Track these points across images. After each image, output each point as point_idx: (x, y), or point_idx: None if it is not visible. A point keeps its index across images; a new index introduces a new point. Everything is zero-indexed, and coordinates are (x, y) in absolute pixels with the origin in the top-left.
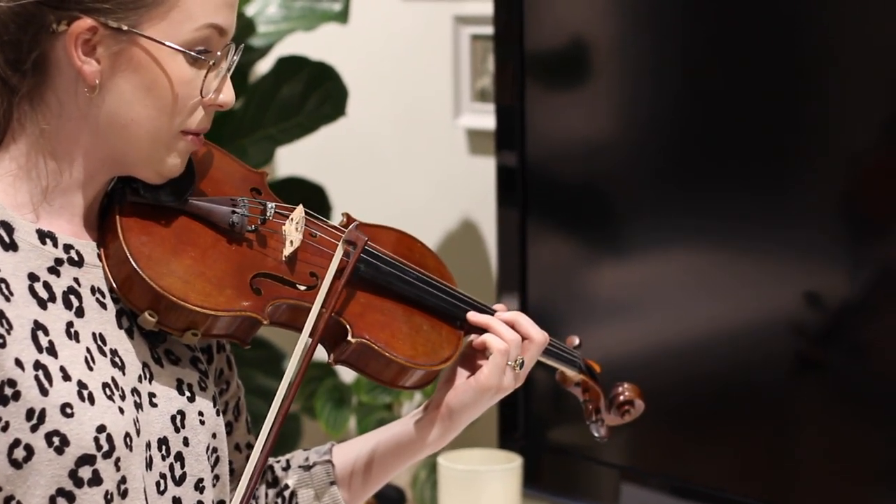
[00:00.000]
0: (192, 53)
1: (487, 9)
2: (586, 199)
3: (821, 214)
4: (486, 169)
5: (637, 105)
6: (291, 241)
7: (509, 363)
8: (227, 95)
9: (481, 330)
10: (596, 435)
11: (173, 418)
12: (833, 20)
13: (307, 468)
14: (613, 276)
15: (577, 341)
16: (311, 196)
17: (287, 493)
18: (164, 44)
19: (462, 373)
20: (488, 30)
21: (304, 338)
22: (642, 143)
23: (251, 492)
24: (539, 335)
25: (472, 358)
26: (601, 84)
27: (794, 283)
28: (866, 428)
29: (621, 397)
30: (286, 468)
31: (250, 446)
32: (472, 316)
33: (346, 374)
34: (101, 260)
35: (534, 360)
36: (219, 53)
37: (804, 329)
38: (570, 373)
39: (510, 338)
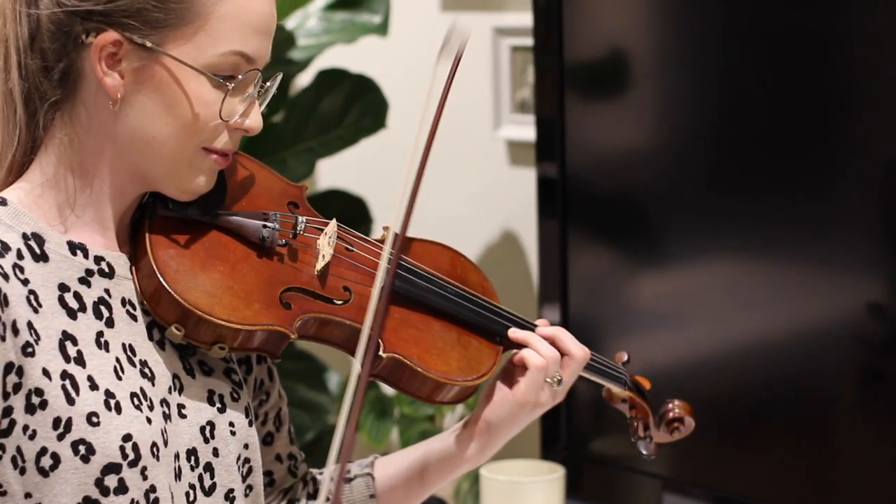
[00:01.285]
0: (215, 77)
1: (527, 20)
2: (627, 210)
3: (866, 223)
4: (526, 180)
5: (677, 115)
6: (323, 256)
7: (547, 379)
8: (254, 121)
9: (521, 346)
10: (644, 452)
11: (202, 429)
12: (879, 24)
13: (348, 480)
14: (655, 286)
15: (625, 357)
16: (351, 208)
17: None
18: (186, 64)
19: (502, 388)
20: (528, 41)
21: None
22: (682, 153)
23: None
24: (579, 352)
25: (513, 374)
26: (640, 94)
27: (837, 293)
28: None
29: (671, 414)
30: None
31: (292, 457)
32: (513, 332)
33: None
34: (132, 273)
35: (574, 377)
36: (240, 77)
37: (848, 338)
38: (616, 389)
39: (548, 354)
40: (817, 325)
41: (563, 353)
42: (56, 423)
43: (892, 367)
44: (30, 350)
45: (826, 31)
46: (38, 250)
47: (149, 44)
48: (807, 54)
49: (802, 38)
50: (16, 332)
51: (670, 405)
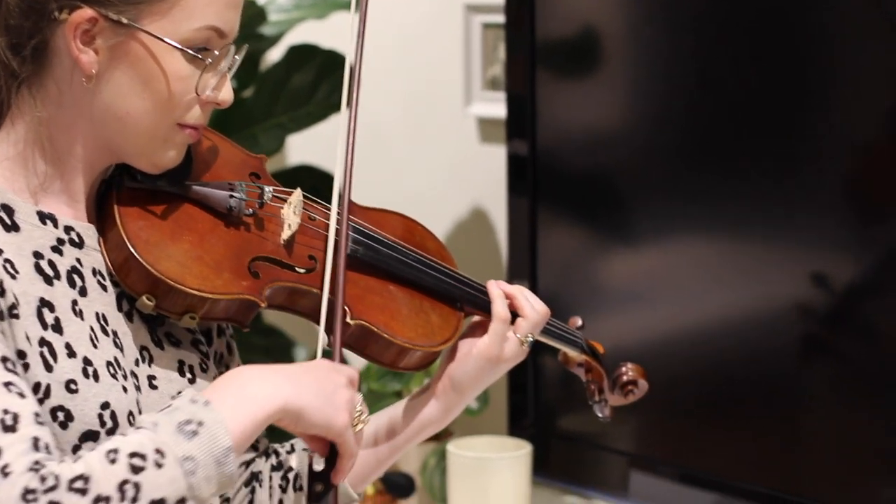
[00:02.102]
0: (190, 52)
1: None
2: (596, 188)
3: (830, 201)
4: (496, 157)
5: (647, 93)
6: (289, 225)
7: (519, 336)
8: (226, 94)
9: (481, 310)
10: (599, 415)
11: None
12: (849, 9)
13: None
14: (623, 264)
15: (579, 322)
16: (321, 184)
17: (291, 476)
18: (162, 40)
19: (465, 345)
20: (499, 18)
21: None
22: (652, 132)
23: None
24: (543, 307)
25: (474, 335)
26: (612, 73)
27: (803, 270)
28: (876, 413)
29: (625, 377)
30: (290, 451)
31: None
32: (490, 286)
33: (355, 362)
34: (99, 245)
35: (537, 332)
36: (217, 53)
37: (814, 316)
38: (573, 353)
39: (528, 313)
40: (785, 303)
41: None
42: (36, 388)
43: (860, 345)
44: (15, 312)
45: (797, 15)
46: (7, 221)
47: (124, 20)
48: (778, 36)
49: (774, 21)
50: (2, 292)
51: (623, 368)
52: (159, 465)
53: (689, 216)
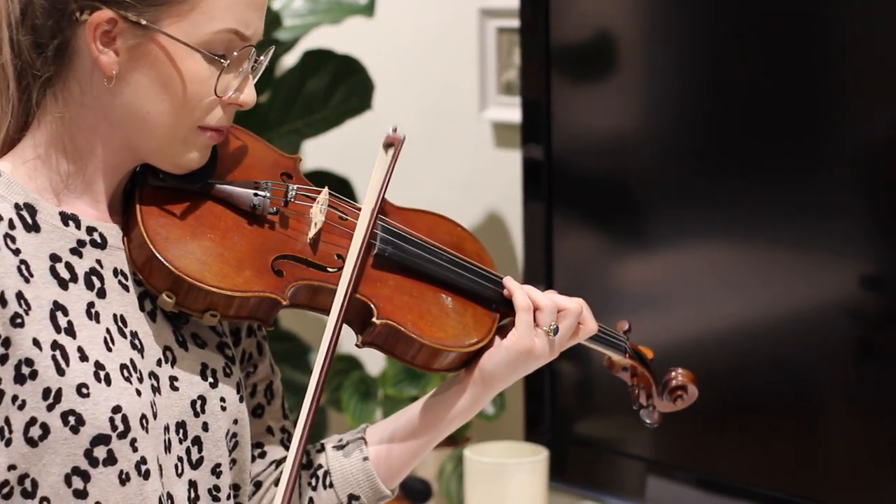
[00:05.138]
0: (208, 54)
1: (513, 2)
2: (612, 192)
3: (846, 205)
4: (511, 162)
5: (663, 97)
6: (315, 224)
7: (543, 328)
8: (248, 96)
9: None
10: (647, 421)
11: (193, 403)
12: (865, 10)
13: (340, 447)
14: (640, 269)
15: (626, 325)
16: (336, 189)
17: (321, 473)
18: (181, 41)
19: (497, 339)
20: (514, 23)
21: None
22: (668, 136)
23: (292, 485)
24: (573, 304)
25: (509, 330)
26: (627, 77)
27: (821, 274)
28: (893, 423)
29: (674, 382)
30: (320, 450)
31: (285, 430)
32: (507, 280)
33: (373, 367)
34: (124, 243)
35: (570, 329)
36: (235, 54)
37: (833, 321)
38: (616, 357)
39: (542, 302)
40: (802, 307)
41: (558, 309)
42: (46, 393)
43: (879, 349)
44: (19, 321)
45: (813, 16)
46: (30, 220)
47: (143, 21)
48: (794, 38)
49: (789, 22)
50: (3, 303)
51: (673, 373)
52: None
53: (705, 220)
